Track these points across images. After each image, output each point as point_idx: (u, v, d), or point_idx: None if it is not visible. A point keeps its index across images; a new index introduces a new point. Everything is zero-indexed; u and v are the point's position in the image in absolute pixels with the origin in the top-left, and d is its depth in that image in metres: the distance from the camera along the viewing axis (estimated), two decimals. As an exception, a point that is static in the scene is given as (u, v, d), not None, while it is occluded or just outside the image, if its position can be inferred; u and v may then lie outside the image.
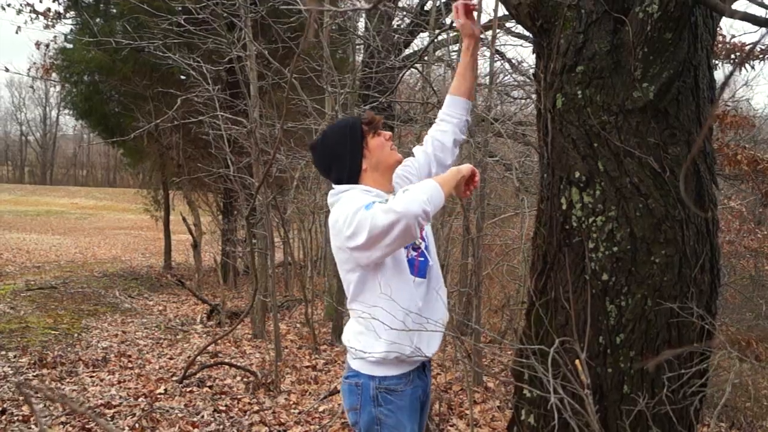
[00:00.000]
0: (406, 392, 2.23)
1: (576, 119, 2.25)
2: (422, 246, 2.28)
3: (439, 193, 2.02)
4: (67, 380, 5.40)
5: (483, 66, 8.12)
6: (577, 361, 2.05)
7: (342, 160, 2.29)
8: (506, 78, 8.79)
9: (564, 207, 2.28)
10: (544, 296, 2.35)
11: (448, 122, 2.61)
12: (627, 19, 2.18)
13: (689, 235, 2.18)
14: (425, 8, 11.94)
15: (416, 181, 2.45)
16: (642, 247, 2.15)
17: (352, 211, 2.02)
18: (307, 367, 6.17)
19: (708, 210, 2.25)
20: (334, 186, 2.33)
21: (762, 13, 2.28)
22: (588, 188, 2.22)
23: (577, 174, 2.24)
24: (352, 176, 2.29)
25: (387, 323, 2.14)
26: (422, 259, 2.26)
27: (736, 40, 6.97)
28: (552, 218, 2.34)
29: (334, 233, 2.15)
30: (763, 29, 2.32)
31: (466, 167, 2.22)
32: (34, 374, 5.46)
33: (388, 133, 2.35)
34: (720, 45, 6.84)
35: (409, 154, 2.66)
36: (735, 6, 2.69)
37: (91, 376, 5.57)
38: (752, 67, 7.35)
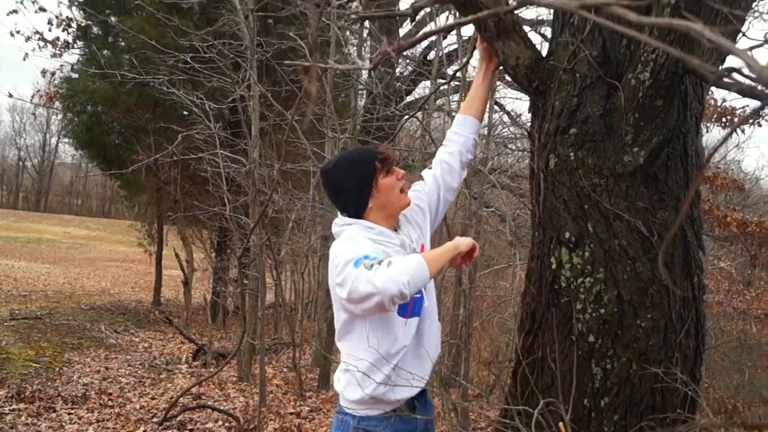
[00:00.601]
0: None
1: (568, 180, 2.29)
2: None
3: (424, 273, 1.99)
4: (44, 416, 5.30)
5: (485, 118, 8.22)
6: (561, 424, 2.05)
7: (349, 193, 2.26)
8: (504, 130, 8.90)
9: (553, 266, 2.31)
10: (531, 355, 2.36)
11: (455, 141, 2.57)
12: (620, 85, 2.24)
13: (675, 300, 2.20)
14: (428, 58, 12.14)
15: (425, 207, 2.47)
16: (629, 310, 2.17)
17: (343, 261, 2.03)
18: (291, 413, 6.09)
19: (694, 276, 2.28)
20: (339, 214, 2.34)
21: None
22: (577, 249, 2.25)
23: (567, 234, 2.27)
24: (358, 211, 2.27)
25: (368, 374, 2.16)
26: (418, 296, 2.23)
27: (726, 104, 7.13)
28: (541, 277, 2.36)
29: (330, 269, 2.15)
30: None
31: (465, 243, 2.16)
32: (11, 408, 5.35)
33: (402, 172, 2.31)
34: (711, 108, 6.98)
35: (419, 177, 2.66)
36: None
37: (70, 413, 5.47)
38: (742, 131, 7.50)
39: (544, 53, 2.52)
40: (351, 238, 2.17)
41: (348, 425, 2.25)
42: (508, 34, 2.42)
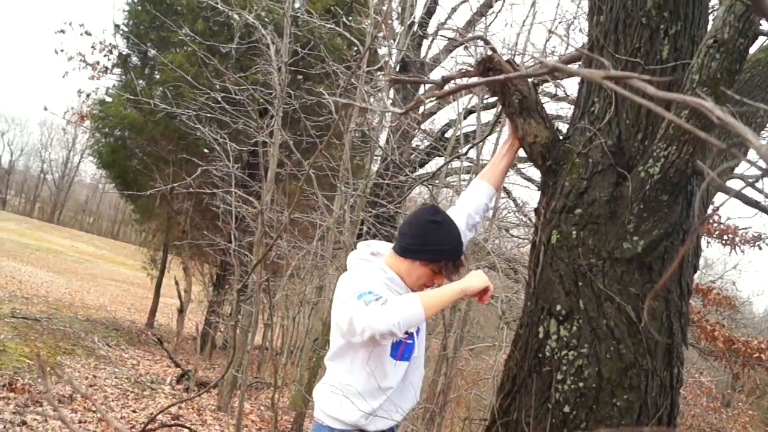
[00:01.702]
0: None
1: (566, 257, 2.39)
2: (414, 330, 2.38)
3: (419, 316, 2.07)
4: (31, 409, 5.37)
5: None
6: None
7: (411, 241, 2.38)
8: (509, 215, 9.05)
9: (541, 336, 2.39)
10: (506, 416, 2.43)
11: (467, 203, 2.65)
12: (629, 175, 2.36)
13: (653, 386, 2.28)
14: (445, 135, 12.43)
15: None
16: (606, 387, 2.24)
17: (350, 292, 2.17)
18: (263, 450, 6.12)
19: (674, 367, 2.36)
20: (359, 248, 2.48)
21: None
22: (566, 322, 2.34)
23: (559, 307, 2.36)
24: (398, 251, 2.40)
25: (354, 402, 2.27)
26: (410, 342, 2.37)
27: (729, 222, 7.29)
28: (527, 344, 2.44)
29: (336, 296, 2.30)
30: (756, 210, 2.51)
31: (474, 287, 2.22)
32: (1, 396, 5.43)
33: (440, 282, 2.41)
34: (714, 224, 7.13)
35: None
36: (729, 184, 2.90)
37: (55, 411, 5.53)
38: (742, 252, 7.61)
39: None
40: (363, 274, 2.31)
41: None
42: (530, 113, 2.57)
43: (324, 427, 2.38)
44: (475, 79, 2.49)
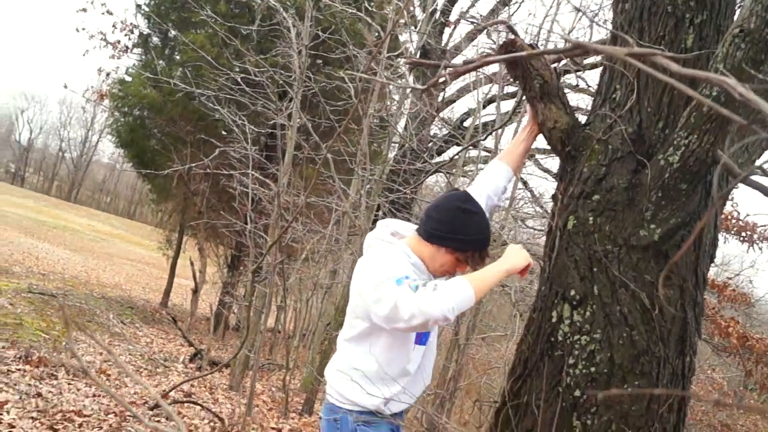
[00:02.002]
0: (382, 425, 2.32)
1: (582, 242, 2.39)
2: None
3: (470, 299, 2.06)
4: (46, 381, 5.45)
5: (507, 190, 8.38)
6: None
7: (438, 226, 2.34)
8: (525, 205, 9.03)
9: (554, 320, 2.40)
10: (516, 399, 2.44)
11: (485, 184, 2.64)
12: (649, 163, 2.35)
13: (664, 374, 2.28)
14: (464, 123, 12.40)
15: None
16: (618, 373, 2.25)
17: (383, 277, 2.11)
18: (273, 429, 6.16)
19: (687, 355, 2.36)
20: (381, 229, 2.44)
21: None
22: (580, 307, 2.34)
23: (573, 292, 2.37)
24: (423, 237, 2.35)
25: (375, 384, 2.26)
26: None
27: (749, 218, 7.24)
28: (540, 328, 2.45)
29: (359, 278, 2.23)
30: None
31: (518, 264, 2.23)
32: (17, 368, 5.52)
33: (462, 269, 2.39)
34: (733, 221, 7.08)
35: None
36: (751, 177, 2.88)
37: (69, 383, 5.61)
38: (760, 249, 7.55)
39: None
40: (389, 257, 2.25)
41: (345, 423, 2.32)
42: (551, 98, 2.56)
43: (340, 410, 2.34)
44: (497, 58, 2.47)
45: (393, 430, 2.36)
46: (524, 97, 2.74)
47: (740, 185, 2.88)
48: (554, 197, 2.72)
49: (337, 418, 2.34)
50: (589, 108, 3.01)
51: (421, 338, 2.36)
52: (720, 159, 2.24)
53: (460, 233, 2.33)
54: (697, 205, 2.35)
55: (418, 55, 9.69)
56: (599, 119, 2.56)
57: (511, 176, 2.73)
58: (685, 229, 2.36)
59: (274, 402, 7.60)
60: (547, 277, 2.52)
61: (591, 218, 2.41)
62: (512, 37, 2.63)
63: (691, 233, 2.39)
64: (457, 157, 7.59)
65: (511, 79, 3.07)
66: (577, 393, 2.27)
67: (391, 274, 2.11)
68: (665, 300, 2.31)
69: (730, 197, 8.37)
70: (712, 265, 2.72)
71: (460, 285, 2.06)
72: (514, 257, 2.22)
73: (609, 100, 2.58)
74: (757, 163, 2.85)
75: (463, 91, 12.75)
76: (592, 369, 2.26)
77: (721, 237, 7.96)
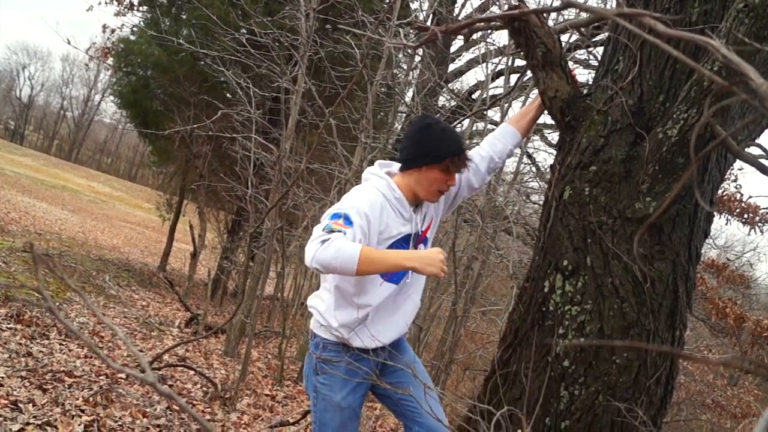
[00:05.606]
0: (341, 365, 2.36)
1: (577, 213, 2.39)
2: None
3: (350, 267, 1.99)
4: (37, 341, 5.45)
5: (511, 164, 8.36)
6: (518, 432, 2.14)
7: (412, 150, 2.39)
8: (530, 181, 9.00)
9: (546, 290, 2.40)
10: (506, 368, 2.45)
11: (492, 145, 2.68)
12: (647, 136, 2.34)
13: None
14: (472, 95, 12.32)
15: (474, 181, 2.63)
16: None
17: (333, 208, 2.20)
18: (267, 395, 6.19)
19: (677, 329, 2.36)
20: (393, 167, 2.48)
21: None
22: (572, 278, 2.34)
23: (566, 263, 2.37)
24: (403, 166, 2.41)
25: (333, 307, 2.34)
26: None
27: (751, 201, 7.23)
28: (532, 298, 2.45)
29: None
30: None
31: (424, 268, 2.07)
32: (8, 326, 5.51)
33: (455, 183, 2.40)
34: (735, 203, 7.07)
35: None
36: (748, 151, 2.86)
37: (61, 344, 5.61)
38: (761, 231, 7.53)
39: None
40: (364, 191, 2.31)
41: (311, 358, 2.43)
42: (553, 67, 2.54)
43: (317, 338, 2.41)
44: (489, 16, 2.45)
45: (353, 371, 2.35)
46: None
47: (740, 163, 2.86)
48: (552, 167, 2.71)
49: (316, 341, 2.43)
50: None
51: (392, 277, 2.34)
52: (719, 135, 2.23)
53: (430, 146, 2.34)
54: (694, 180, 2.34)
55: (428, 23, 9.59)
56: (600, 90, 2.55)
57: (519, 140, 2.74)
58: (680, 203, 2.35)
59: (269, 369, 7.63)
60: (541, 247, 2.52)
61: (587, 189, 2.40)
62: (516, 2, 2.60)
63: (686, 207, 2.38)
64: (460, 126, 7.54)
65: (515, 47, 3.04)
66: (566, 363, 2.28)
67: (337, 208, 2.18)
68: (657, 273, 2.30)
69: (733, 178, 8.34)
70: (715, 246, 2.72)
71: (347, 248, 2.01)
72: (425, 259, 2.07)
73: (611, 72, 2.56)
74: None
75: (472, 63, 12.65)
76: (582, 339, 2.27)
77: (723, 219, 7.94)
